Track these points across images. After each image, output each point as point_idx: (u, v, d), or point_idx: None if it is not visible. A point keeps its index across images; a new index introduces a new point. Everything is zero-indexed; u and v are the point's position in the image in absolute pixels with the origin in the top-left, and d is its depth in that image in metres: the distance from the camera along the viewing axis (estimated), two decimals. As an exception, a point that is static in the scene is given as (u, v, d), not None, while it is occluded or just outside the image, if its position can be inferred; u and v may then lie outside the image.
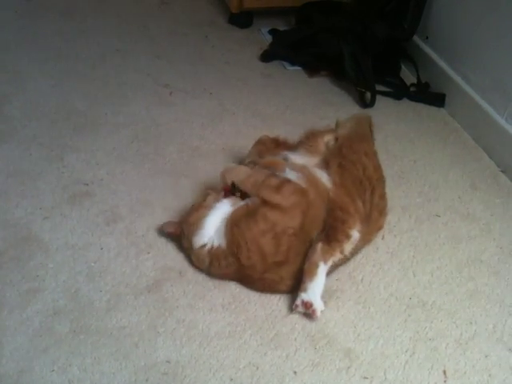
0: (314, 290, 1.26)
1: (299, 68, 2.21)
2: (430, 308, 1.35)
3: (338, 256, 1.30)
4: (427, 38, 2.10)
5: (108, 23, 2.35)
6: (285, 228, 1.27)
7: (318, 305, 1.26)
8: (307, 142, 1.50)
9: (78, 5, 2.44)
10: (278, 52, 2.24)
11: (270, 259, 1.27)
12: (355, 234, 1.32)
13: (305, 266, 1.27)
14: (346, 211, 1.31)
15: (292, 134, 1.83)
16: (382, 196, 1.46)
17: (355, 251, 1.40)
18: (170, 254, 1.41)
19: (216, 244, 1.31)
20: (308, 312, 1.27)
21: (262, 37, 2.37)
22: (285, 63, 2.22)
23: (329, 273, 1.33)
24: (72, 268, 1.35)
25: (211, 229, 1.32)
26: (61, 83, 1.97)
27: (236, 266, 1.29)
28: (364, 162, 1.42)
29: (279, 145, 1.58)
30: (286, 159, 1.47)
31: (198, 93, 2.01)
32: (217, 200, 1.36)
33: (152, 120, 1.85)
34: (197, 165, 1.69)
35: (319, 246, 1.28)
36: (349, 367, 1.21)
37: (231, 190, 1.39)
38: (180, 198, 1.57)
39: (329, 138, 1.50)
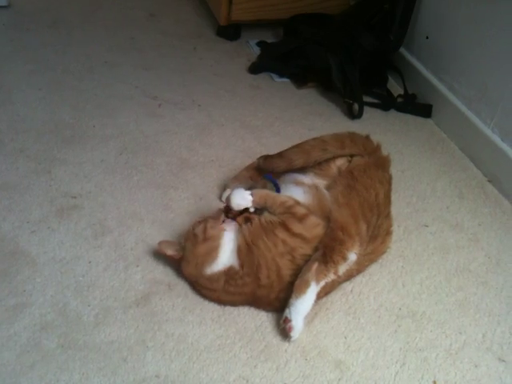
0: (297, 308, 1.24)
1: (287, 80, 2.22)
2: (419, 318, 1.35)
3: (331, 277, 1.27)
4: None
5: (96, 35, 2.35)
6: (303, 254, 1.29)
7: (297, 323, 1.24)
8: (318, 166, 1.48)
9: (65, 17, 2.44)
10: (266, 64, 2.25)
11: (287, 279, 1.28)
12: (352, 256, 1.28)
13: (296, 281, 1.25)
14: (346, 232, 1.28)
15: (281, 146, 1.84)
16: (388, 215, 1.45)
17: (359, 270, 1.39)
18: (159, 267, 1.40)
19: (228, 265, 1.30)
20: (285, 327, 1.24)
21: (250, 49, 2.38)
22: (273, 75, 2.23)
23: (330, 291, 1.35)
24: (60, 282, 1.34)
25: (225, 255, 1.30)
26: (49, 95, 1.96)
27: (252, 286, 1.28)
28: (377, 189, 1.40)
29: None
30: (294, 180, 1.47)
31: (186, 104, 2.01)
32: (221, 225, 1.35)
33: (140, 132, 1.85)
34: (186, 177, 1.69)
35: (315, 265, 1.25)
36: (339, 379, 1.21)
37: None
38: (169, 211, 1.56)
39: (341, 162, 1.47)
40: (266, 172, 1.53)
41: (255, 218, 1.33)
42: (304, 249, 1.29)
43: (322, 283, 1.26)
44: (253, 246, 1.28)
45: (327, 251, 1.26)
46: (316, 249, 1.28)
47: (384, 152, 1.54)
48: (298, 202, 1.34)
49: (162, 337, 1.24)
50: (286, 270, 1.28)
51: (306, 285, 1.24)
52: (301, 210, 1.32)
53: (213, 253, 1.30)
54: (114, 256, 1.42)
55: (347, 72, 2.07)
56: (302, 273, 1.26)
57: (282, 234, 1.29)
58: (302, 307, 1.24)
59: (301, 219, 1.30)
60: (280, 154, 1.52)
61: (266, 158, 1.55)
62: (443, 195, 1.74)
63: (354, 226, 1.30)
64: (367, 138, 1.55)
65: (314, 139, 1.50)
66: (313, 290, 1.24)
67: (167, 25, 2.49)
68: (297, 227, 1.29)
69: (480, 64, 1.86)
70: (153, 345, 1.23)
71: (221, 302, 1.32)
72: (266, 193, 1.38)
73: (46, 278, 1.34)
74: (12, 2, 2.47)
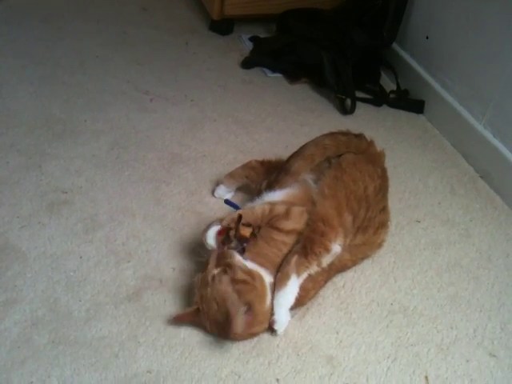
0: (279, 301, 1.24)
1: (280, 75, 2.21)
2: (411, 313, 1.36)
3: (314, 269, 1.27)
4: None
5: (88, 29, 2.33)
6: None
7: (279, 317, 1.24)
8: None
9: (57, 11, 2.42)
10: (258, 59, 2.24)
11: None
12: (336, 248, 1.28)
13: (277, 275, 1.26)
14: (328, 223, 1.28)
15: (273, 141, 1.85)
16: (383, 209, 1.45)
17: (354, 261, 1.40)
18: (151, 262, 1.40)
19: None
20: (269, 321, 1.24)
21: (242, 44, 2.38)
22: (265, 70, 2.22)
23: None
24: (50, 277, 1.33)
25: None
26: (39, 90, 1.94)
27: None
28: (366, 182, 1.39)
29: (270, 169, 1.53)
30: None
31: (178, 99, 2.00)
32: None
33: (132, 127, 1.84)
34: (178, 172, 1.68)
35: (294, 258, 1.25)
36: (331, 374, 1.21)
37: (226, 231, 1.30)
38: (161, 206, 1.56)
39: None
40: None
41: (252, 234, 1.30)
42: None
43: (304, 275, 1.26)
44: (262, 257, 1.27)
45: (307, 243, 1.27)
46: (299, 241, 1.29)
47: (377, 148, 1.54)
48: (272, 204, 1.34)
49: (154, 332, 1.24)
50: None
51: (287, 277, 1.24)
52: (281, 209, 1.32)
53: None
54: (105, 251, 1.41)
55: (340, 68, 2.07)
56: (283, 266, 1.26)
57: (279, 237, 1.29)
58: (283, 300, 1.24)
59: (286, 216, 1.30)
60: (286, 172, 1.43)
61: (271, 183, 1.45)
62: (435, 191, 1.74)
63: (337, 218, 1.30)
64: (360, 136, 1.54)
65: (315, 145, 1.46)
66: (294, 283, 1.25)
67: (159, 19, 2.48)
68: (287, 225, 1.30)
69: (472, 61, 1.86)
70: (144, 340, 1.22)
71: None
72: (238, 214, 1.32)
73: (36, 273, 1.33)
74: (2, -5, 2.45)
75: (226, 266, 1.23)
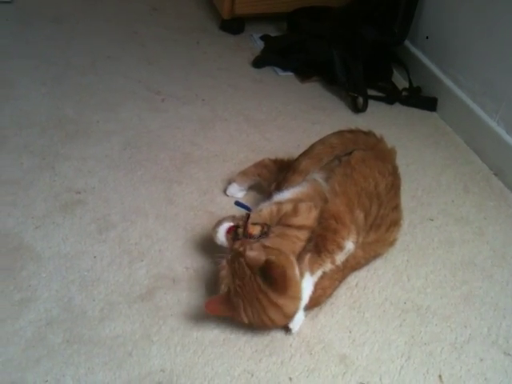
0: None
1: (291, 73, 2.21)
2: (424, 312, 1.35)
3: (328, 266, 1.26)
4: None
5: (98, 30, 2.34)
6: None
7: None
8: None
9: (68, 12, 2.43)
10: (269, 58, 2.24)
11: None
12: (349, 245, 1.28)
13: None
14: (340, 221, 1.28)
15: (284, 140, 1.85)
16: (396, 207, 1.44)
17: (366, 259, 1.39)
18: (164, 261, 1.40)
19: None
20: None
21: (253, 43, 2.37)
22: (276, 69, 2.22)
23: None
24: (65, 277, 1.34)
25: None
26: (52, 90, 1.95)
27: None
28: (377, 178, 1.39)
29: (282, 167, 1.52)
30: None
31: (189, 99, 2.00)
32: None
33: (144, 127, 1.84)
34: (189, 171, 1.69)
35: (308, 256, 1.25)
36: (344, 373, 1.21)
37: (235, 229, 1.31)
38: (173, 205, 1.56)
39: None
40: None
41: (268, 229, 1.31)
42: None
43: (319, 273, 1.26)
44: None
45: (319, 241, 1.26)
46: (311, 239, 1.28)
47: (388, 145, 1.53)
48: (279, 204, 1.34)
49: (167, 331, 1.25)
50: None
51: (301, 276, 1.23)
52: (288, 207, 1.32)
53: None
54: (119, 251, 1.42)
55: (351, 66, 2.06)
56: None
57: (291, 232, 1.29)
58: None
59: (294, 213, 1.31)
60: (294, 170, 1.45)
61: (279, 183, 1.46)
62: (448, 189, 1.73)
63: (349, 215, 1.30)
64: (369, 133, 1.53)
65: (323, 144, 1.47)
66: (308, 281, 1.24)
67: (170, 19, 2.48)
68: (296, 220, 1.29)
69: (485, 57, 1.85)
70: (158, 339, 1.23)
71: None
72: (247, 213, 1.34)
73: (50, 273, 1.34)
74: (15, -4, 2.46)
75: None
